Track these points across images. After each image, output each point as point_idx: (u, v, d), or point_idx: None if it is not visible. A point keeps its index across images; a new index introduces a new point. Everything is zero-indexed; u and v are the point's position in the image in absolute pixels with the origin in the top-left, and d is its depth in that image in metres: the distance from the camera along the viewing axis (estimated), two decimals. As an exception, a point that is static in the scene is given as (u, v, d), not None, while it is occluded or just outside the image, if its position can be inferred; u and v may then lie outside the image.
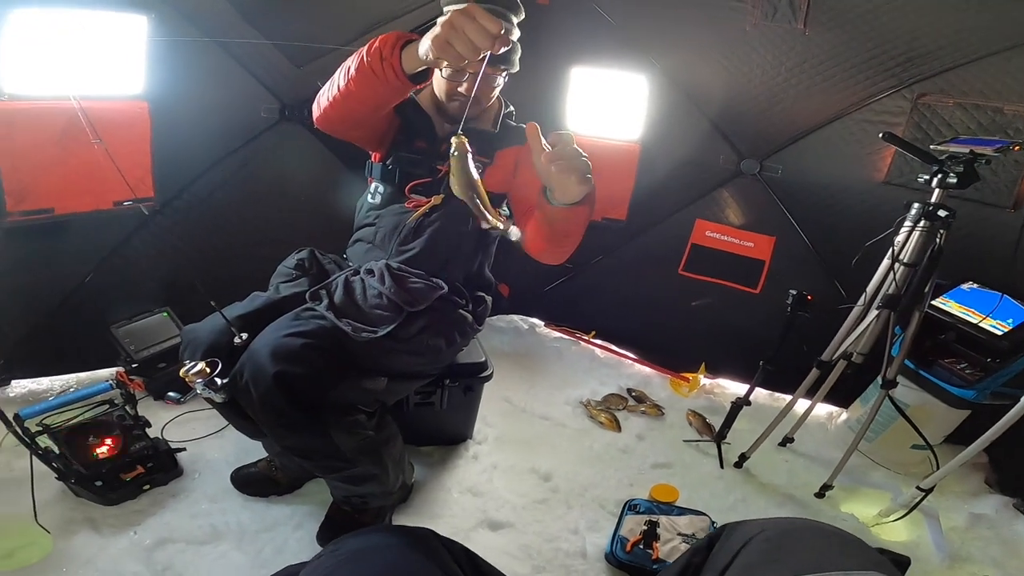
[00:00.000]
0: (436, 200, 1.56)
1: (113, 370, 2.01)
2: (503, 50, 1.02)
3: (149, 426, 1.75)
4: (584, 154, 1.09)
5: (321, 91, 1.47)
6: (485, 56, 1.04)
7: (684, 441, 2.30)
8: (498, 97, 1.67)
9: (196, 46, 1.96)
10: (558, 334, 2.96)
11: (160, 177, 2.06)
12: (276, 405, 1.25)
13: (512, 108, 1.74)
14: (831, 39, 2.22)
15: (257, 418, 1.32)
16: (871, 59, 2.20)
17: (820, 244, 2.50)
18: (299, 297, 1.47)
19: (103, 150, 1.73)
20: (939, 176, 1.79)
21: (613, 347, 2.88)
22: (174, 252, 2.23)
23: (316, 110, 1.51)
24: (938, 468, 1.88)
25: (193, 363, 1.27)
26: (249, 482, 1.74)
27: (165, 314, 2.18)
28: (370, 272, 1.50)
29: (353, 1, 2.19)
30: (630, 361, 2.82)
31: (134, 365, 2.00)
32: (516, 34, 1.55)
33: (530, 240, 1.46)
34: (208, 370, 1.27)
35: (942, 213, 1.79)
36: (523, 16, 1.56)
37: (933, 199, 1.81)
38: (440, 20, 1.07)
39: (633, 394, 2.56)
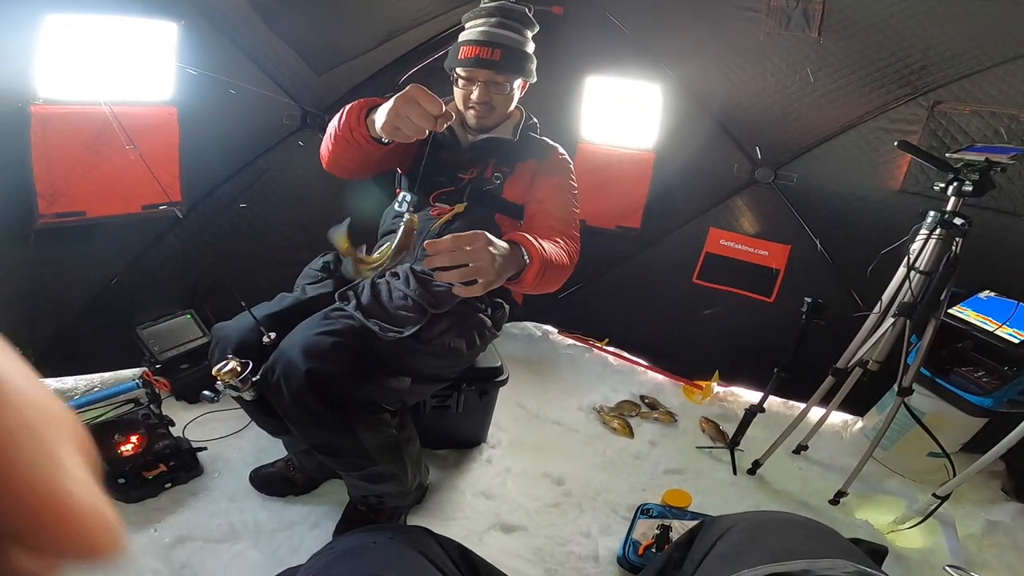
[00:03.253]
0: (459, 208, 1.62)
1: (138, 370, 2.05)
2: (446, 125, 1.14)
3: (173, 424, 1.79)
4: (470, 250, 1.11)
5: (322, 142, 1.57)
6: (446, 115, 1.14)
7: (697, 448, 2.30)
8: (518, 107, 1.72)
9: (224, 53, 2.02)
10: (571, 341, 2.97)
11: (187, 182, 2.12)
12: (307, 402, 1.28)
13: (535, 120, 1.78)
14: (845, 47, 2.22)
15: (287, 415, 1.35)
16: (886, 67, 2.20)
17: (835, 252, 2.49)
18: (325, 298, 1.52)
19: (136, 155, 1.80)
20: (955, 184, 1.80)
21: (626, 354, 2.89)
22: (199, 256, 2.28)
23: (323, 161, 1.60)
24: (955, 476, 1.86)
25: (225, 362, 1.31)
26: (267, 482, 1.77)
27: (189, 316, 2.22)
28: (395, 275, 1.54)
29: (373, 10, 2.24)
30: (643, 368, 2.82)
31: (158, 366, 2.04)
32: (531, 46, 1.60)
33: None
34: (239, 368, 1.30)
35: (958, 221, 1.80)
36: (536, 29, 1.61)
37: (949, 207, 1.82)
38: (392, 100, 1.17)
39: (646, 401, 2.56)
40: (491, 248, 1.14)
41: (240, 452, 1.92)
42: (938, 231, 1.83)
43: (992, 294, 2.14)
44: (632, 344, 2.92)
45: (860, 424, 2.48)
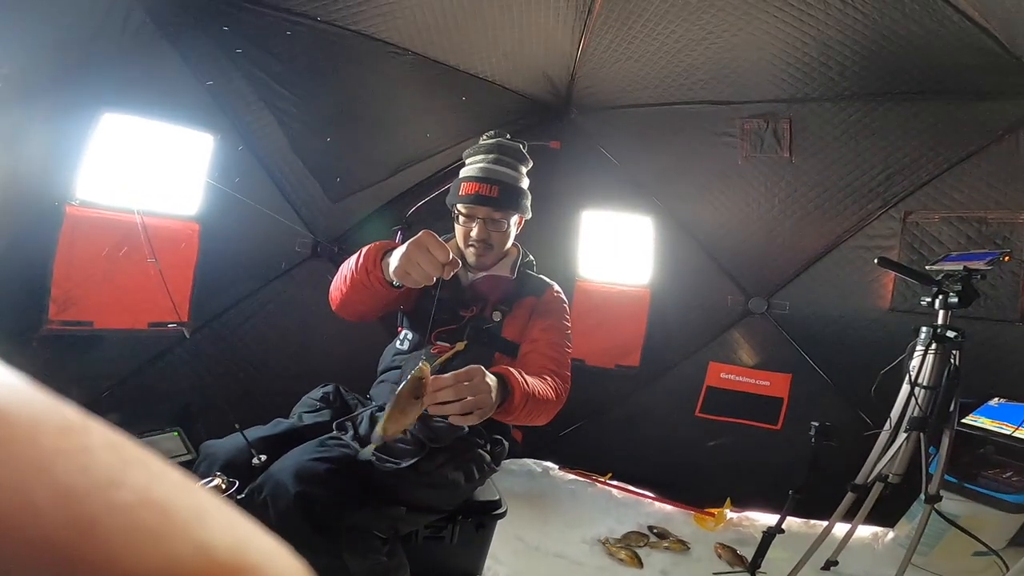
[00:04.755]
0: (460, 346, 1.63)
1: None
2: (452, 272, 1.23)
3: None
4: (469, 385, 1.17)
5: (333, 284, 1.63)
6: (453, 263, 1.23)
7: (714, 574, 2.12)
8: (515, 244, 1.80)
9: (250, 170, 2.16)
10: (573, 476, 2.84)
11: (196, 302, 2.16)
12: (294, 524, 1.23)
13: (531, 258, 1.84)
14: (816, 164, 2.40)
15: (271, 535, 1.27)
16: (854, 181, 2.37)
17: (836, 376, 2.49)
18: (321, 427, 1.51)
19: (155, 269, 1.82)
20: (940, 297, 1.85)
21: (630, 487, 2.73)
22: (195, 376, 2.26)
23: (333, 303, 1.65)
24: (1007, 569, 1.74)
25: (209, 478, 1.28)
26: None
27: (176, 433, 2.14)
28: None
29: (388, 140, 2.44)
30: (649, 499, 2.66)
31: (137, 481, 1.91)
32: (526, 182, 1.72)
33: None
34: (224, 486, 1.27)
35: (951, 334, 1.81)
36: (530, 165, 1.74)
37: (939, 321, 1.85)
38: (406, 245, 1.26)
39: (654, 531, 2.40)
40: (488, 380, 1.21)
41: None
42: (934, 346, 1.84)
43: (1002, 400, 2.13)
44: (637, 478, 2.78)
45: (892, 535, 2.31)
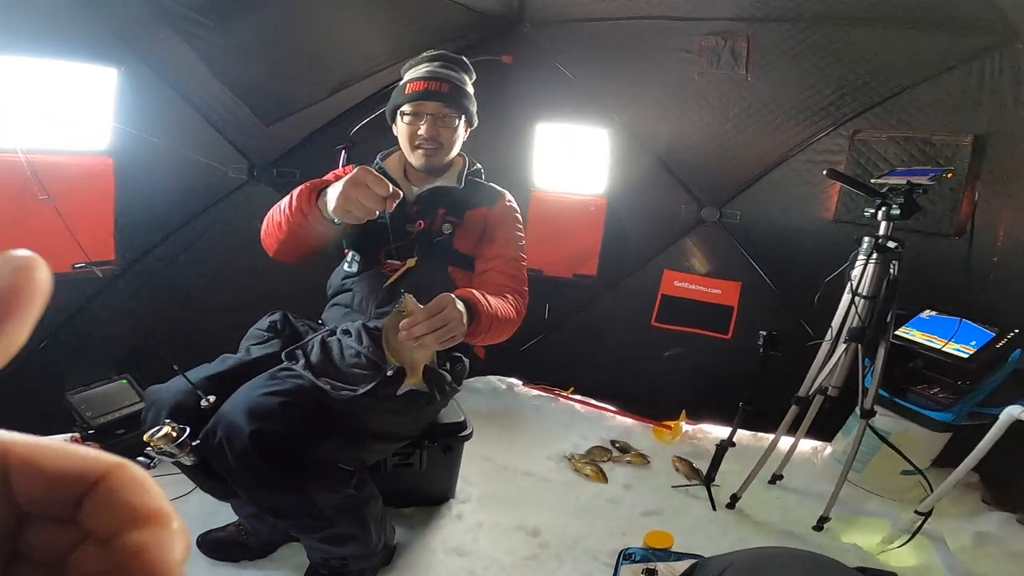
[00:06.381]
0: (411, 263, 1.58)
1: (66, 436, 1.86)
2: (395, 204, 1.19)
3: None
4: (442, 315, 1.18)
5: (263, 230, 1.51)
6: (394, 195, 1.19)
7: (673, 487, 2.25)
8: (461, 154, 1.72)
9: (165, 102, 1.98)
10: (536, 392, 2.92)
11: (123, 238, 2.02)
12: (254, 464, 1.22)
13: (479, 166, 1.78)
14: (771, 83, 2.40)
15: (233, 478, 1.28)
16: (808, 99, 2.38)
17: (783, 284, 2.59)
18: (271, 359, 1.46)
19: (53, 208, 1.69)
20: (883, 209, 1.91)
21: (593, 401, 2.85)
22: (136, 317, 2.15)
23: (269, 250, 1.53)
24: (931, 491, 1.89)
25: (158, 427, 1.23)
26: (218, 546, 1.62)
27: (125, 381, 2.06)
28: (347, 332, 1.49)
29: (324, 59, 2.27)
30: (611, 413, 2.78)
31: (91, 431, 1.87)
32: (471, 90, 1.64)
33: None
34: (174, 434, 1.23)
35: (892, 244, 1.90)
36: (474, 77, 1.66)
37: (881, 232, 1.92)
38: (341, 183, 1.20)
39: (617, 445, 2.52)
40: (459, 308, 1.21)
41: (186, 517, 1.72)
42: (875, 256, 1.92)
43: (933, 313, 2.25)
44: (598, 391, 2.89)
45: (829, 449, 2.50)
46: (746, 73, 2.40)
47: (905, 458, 1.98)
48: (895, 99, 2.28)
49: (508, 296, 1.52)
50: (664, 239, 2.77)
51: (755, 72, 2.40)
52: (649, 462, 2.41)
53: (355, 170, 1.18)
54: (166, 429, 1.22)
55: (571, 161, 2.76)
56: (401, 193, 1.26)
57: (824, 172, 1.98)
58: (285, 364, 1.39)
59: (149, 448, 1.21)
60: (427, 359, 1.25)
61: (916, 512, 1.89)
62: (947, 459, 2.14)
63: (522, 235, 1.70)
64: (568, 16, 2.58)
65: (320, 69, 2.26)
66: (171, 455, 1.24)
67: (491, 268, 1.60)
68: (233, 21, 1.98)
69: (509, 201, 1.71)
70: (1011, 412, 1.73)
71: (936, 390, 2.11)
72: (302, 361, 1.39)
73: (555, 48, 2.66)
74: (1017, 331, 2.04)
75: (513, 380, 3.01)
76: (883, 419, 2.14)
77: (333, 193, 1.22)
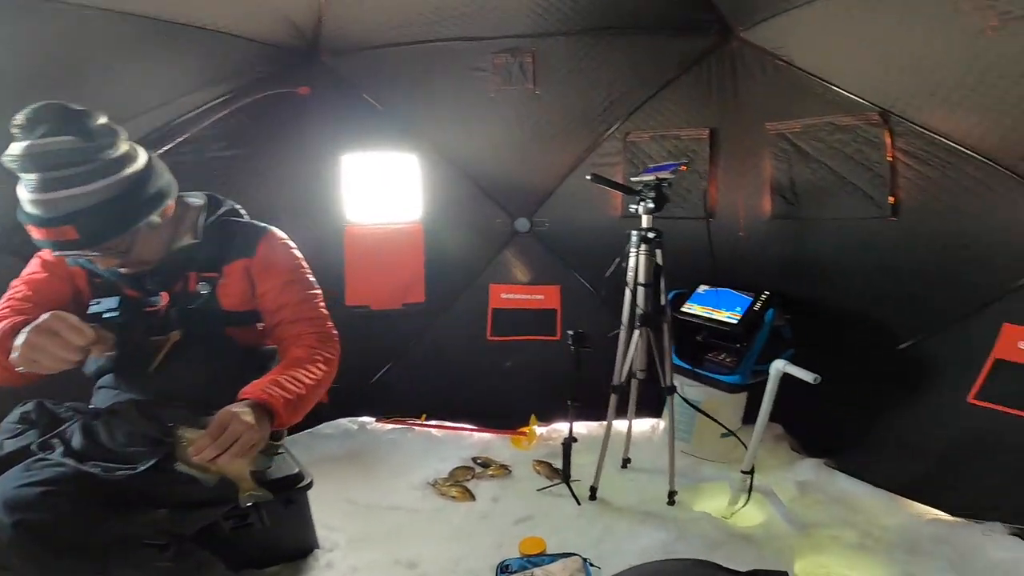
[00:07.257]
0: (175, 336, 1.47)
1: None
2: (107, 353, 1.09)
3: None
4: (228, 432, 1.13)
5: None
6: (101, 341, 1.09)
7: (538, 491, 2.31)
8: (191, 200, 1.54)
9: None
10: (391, 425, 2.90)
11: None
12: (30, 554, 1.13)
13: (230, 205, 1.59)
14: (557, 95, 2.56)
15: (18, 572, 1.16)
16: (587, 108, 2.57)
17: (594, 282, 2.75)
18: (27, 452, 1.31)
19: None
20: (641, 204, 2.07)
21: (448, 423, 2.89)
22: None
23: None
24: (747, 449, 2.04)
25: None
26: None
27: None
28: (114, 413, 1.39)
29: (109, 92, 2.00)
30: (467, 432, 2.82)
31: None
32: (102, 179, 1.26)
33: None
34: None
35: (651, 235, 2.06)
36: (98, 128, 1.28)
37: (644, 224, 2.07)
38: (25, 331, 1.07)
39: (478, 461, 2.55)
40: (244, 417, 1.15)
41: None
42: (643, 247, 2.08)
43: (707, 287, 2.46)
44: (451, 412, 2.93)
45: (662, 425, 2.65)
46: (534, 87, 2.54)
47: (716, 421, 2.16)
48: (652, 101, 2.51)
49: (311, 348, 1.45)
50: (485, 255, 2.87)
51: (543, 85, 2.54)
52: (511, 472, 2.46)
53: (47, 316, 1.05)
54: None
55: (383, 190, 2.78)
56: (110, 338, 1.14)
57: (587, 177, 2.13)
58: (40, 455, 1.26)
59: None
60: (248, 465, 1.18)
61: (742, 471, 2.04)
62: (755, 416, 2.31)
63: (303, 266, 1.59)
64: (366, 43, 2.60)
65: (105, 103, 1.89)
66: None
67: (281, 320, 1.51)
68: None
69: (273, 239, 1.57)
70: (777, 366, 1.91)
71: (723, 356, 2.31)
72: (60, 449, 1.28)
73: (355, 76, 2.67)
74: (767, 293, 2.26)
75: (365, 419, 2.98)
76: (691, 389, 2.32)
77: (20, 339, 1.09)
